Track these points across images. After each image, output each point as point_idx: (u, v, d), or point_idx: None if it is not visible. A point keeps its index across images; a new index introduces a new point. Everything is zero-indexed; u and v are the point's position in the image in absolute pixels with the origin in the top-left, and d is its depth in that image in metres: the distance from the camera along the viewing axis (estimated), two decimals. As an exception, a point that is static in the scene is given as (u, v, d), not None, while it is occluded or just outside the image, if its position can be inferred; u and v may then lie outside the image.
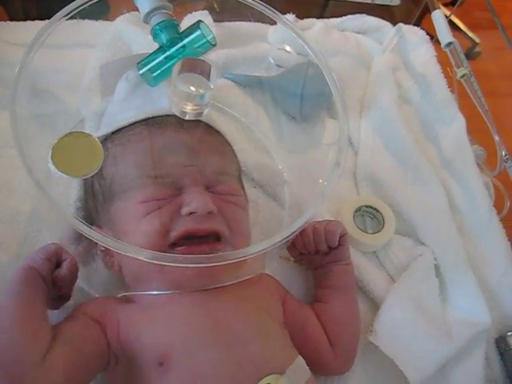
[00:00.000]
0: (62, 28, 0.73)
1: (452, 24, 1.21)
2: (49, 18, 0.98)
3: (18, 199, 0.82)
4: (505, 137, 1.02)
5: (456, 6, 1.53)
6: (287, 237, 0.62)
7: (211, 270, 0.64)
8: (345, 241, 0.79)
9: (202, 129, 0.78)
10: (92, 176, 0.67)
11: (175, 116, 0.71)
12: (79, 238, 0.74)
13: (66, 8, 0.72)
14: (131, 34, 0.95)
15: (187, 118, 0.68)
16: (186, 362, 0.61)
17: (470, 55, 1.15)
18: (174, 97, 0.67)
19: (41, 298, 0.61)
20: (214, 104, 0.91)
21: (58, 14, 0.71)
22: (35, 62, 0.68)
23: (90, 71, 0.90)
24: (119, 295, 0.71)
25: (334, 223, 0.80)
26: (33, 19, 1.04)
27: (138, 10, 0.93)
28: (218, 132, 0.81)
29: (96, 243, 0.72)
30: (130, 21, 0.97)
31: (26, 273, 0.61)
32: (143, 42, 0.94)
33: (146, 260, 0.57)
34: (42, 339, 0.58)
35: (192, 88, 0.65)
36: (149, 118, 0.77)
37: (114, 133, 0.77)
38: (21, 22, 1.03)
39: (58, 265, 0.65)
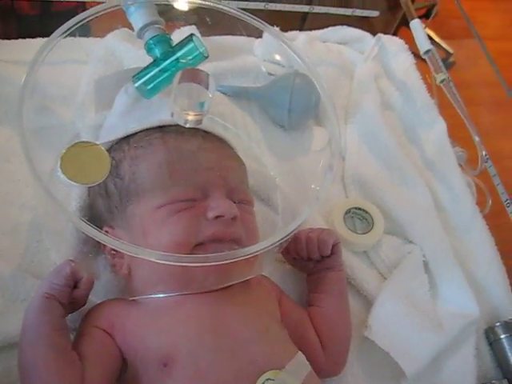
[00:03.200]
0: (55, 45, 0.75)
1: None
2: (29, 37, 1.02)
3: (18, 211, 0.83)
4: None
5: (431, 19, 1.59)
6: (292, 231, 0.66)
7: (227, 268, 0.66)
8: (337, 249, 0.82)
9: (214, 138, 0.81)
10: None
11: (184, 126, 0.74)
12: (80, 244, 0.77)
13: (64, 25, 0.74)
14: (122, 48, 0.98)
15: (188, 125, 0.71)
16: (190, 362, 0.63)
17: (445, 65, 1.19)
18: (175, 106, 0.70)
19: (62, 325, 0.63)
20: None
21: (56, 32, 0.73)
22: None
23: (83, 86, 0.93)
24: (127, 298, 0.72)
25: (326, 232, 0.82)
26: (10, 38, 1.06)
27: (120, 26, 0.98)
28: (226, 142, 0.83)
29: (100, 248, 0.76)
30: (120, 37, 1.00)
31: (46, 303, 0.63)
32: (134, 56, 0.97)
33: (174, 264, 0.59)
34: (77, 369, 0.60)
35: (192, 97, 0.68)
36: (162, 126, 0.79)
37: (125, 138, 0.79)
38: (12, 41, 1.05)
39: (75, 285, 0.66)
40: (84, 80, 0.94)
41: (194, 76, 0.69)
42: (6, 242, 0.80)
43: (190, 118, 0.70)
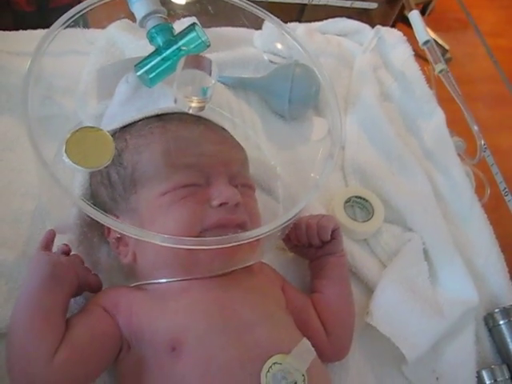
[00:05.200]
0: (57, 36, 0.76)
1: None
2: (23, 29, 1.03)
3: (20, 200, 0.84)
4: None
5: (426, 15, 1.60)
6: (294, 216, 0.66)
7: (231, 252, 0.68)
8: (337, 234, 0.83)
9: (215, 126, 0.82)
10: (107, 167, 0.70)
11: (186, 113, 0.75)
12: (84, 232, 0.77)
13: (65, 15, 0.74)
14: (124, 39, 0.99)
15: (191, 112, 0.72)
16: (197, 346, 0.64)
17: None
18: (178, 92, 0.70)
19: (53, 289, 0.65)
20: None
21: (58, 22, 0.73)
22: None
23: (85, 75, 0.93)
24: (132, 285, 0.73)
25: (326, 218, 0.83)
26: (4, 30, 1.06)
27: (121, 17, 0.99)
28: (226, 130, 0.84)
29: (103, 236, 0.77)
30: (121, 27, 1.00)
31: (37, 268, 0.66)
32: (135, 47, 0.97)
33: (181, 247, 0.60)
34: (53, 337, 0.61)
35: (195, 83, 0.68)
36: (162, 114, 0.80)
37: (126, 127, 0.79)
38: (14, 32, 1.06)
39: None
40: (86, 70, 0.94)
41: (197, 62, 0.69)
42: (9, 230, 0.81)
43: (193, 104, 0.71)
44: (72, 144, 0.61)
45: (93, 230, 0.77)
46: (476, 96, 1.30)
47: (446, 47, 1.89)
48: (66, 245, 0.73)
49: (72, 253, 0.74)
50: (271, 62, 1.05)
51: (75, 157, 0.61)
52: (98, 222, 0.75)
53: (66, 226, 0.77)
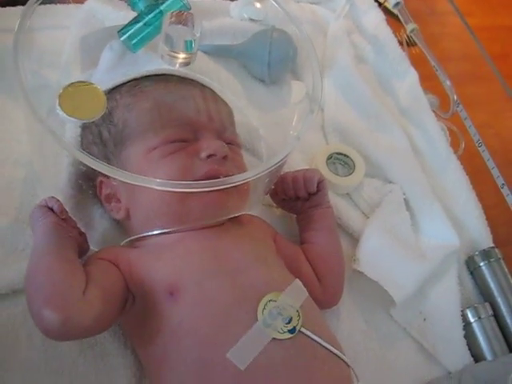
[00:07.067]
0: (37, 13, 0.77)
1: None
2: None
3: (11, 168, 0.85)
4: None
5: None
6: (279, 161, 0.68)
7: (222, 200, 0.71)
8: (323, 186, 0.85)
9: (201, 85, 0.84)
10: (98, 126, 0.72)
11: (173, 75, 0.77)
12: (75, 194, 0.79)
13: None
14: (103, 11, 1.00)
15: (177, 67, 0.74)
16: (194, 289, 0.66)
17: (411, 42, 1.24)
18: (164, 47, 0.72)
19: (70, 243, 0.68)
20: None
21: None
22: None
23: (68, 46, 0.94)
24: (126, 240, 0.75)
25: (311, 170, 0.86)
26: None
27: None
28: (212, 89, 0.86)
29: (94, 197, 0.79)
30: (101, 0, 1.02)
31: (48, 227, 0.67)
32: (115, 18, 0.98)
33: (177, 190, 0.62)
34: (81, 277, 0.63)
35: (180, 37, 0.71)
36: (150, 75, 0.81)
37: (116, 87, 0.80)
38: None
39: None
40: (68, 40, 0.95)
41: (180, 18, 0.72)
42: (1, 197, 0.82)
43: (179, 60, 0.73)
44: (65, 97, 0.63)
45: (84, 191, 0.79)
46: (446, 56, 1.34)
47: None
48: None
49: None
50: (251, 19, 1.07)
51: (69, 109, 0.62)
52: (89, 182, 0.78)
53: (57, 191, 0.79)
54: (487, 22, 1.84)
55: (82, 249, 0.72)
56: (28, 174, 0.85)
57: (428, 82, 1.16)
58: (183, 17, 0.71)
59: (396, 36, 1.23)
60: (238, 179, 0.65)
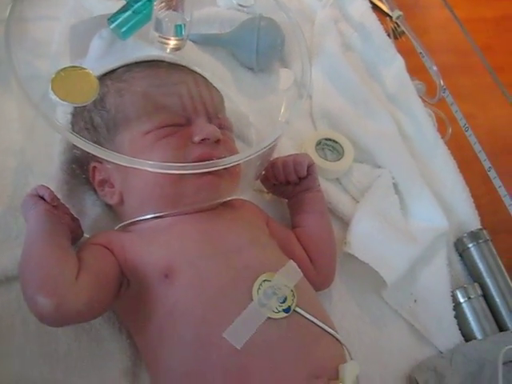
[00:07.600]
0: (30, 2, 0.77)
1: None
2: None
3: (2, 157, 0.85)
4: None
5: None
6: (269, 145, 0.70)
7: (215, 184, 0.72)
8: (313, 170, 0.86)
9: (192, 72, 0.84)
10: (89, 111, 0.71)
11: (164, 61, 0.77)
12: (67, 182, 0.79)
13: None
14: (91, 1, 1.00)
15: (168, 51, 0.74)
16: (189, 271, 0.67)
17: (395, 35, 1.25)
18: (155, 33, 0.72)
19: (63, 231, 0.68)
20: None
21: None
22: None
23: (57, 35, 0.94)
24: (120, 225, 0.75)
25: (301, 155, 0.87)
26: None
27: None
28: (202, 75, 0.86)
29: (87, 183, 0.79)
30: (88, -9, 1.02)
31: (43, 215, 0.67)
32: (104, 8, 0.98)
33: (173, 172, 0.64)
34: (73, 263, 0.63)
35: (170, 21, 0.71)
36: (141, 62, 0.81)
37: (107, 74, 0.80)
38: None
39: None
40: (57, 30, 0.95)
41: (170, 3, 0.72)
42: (-8, 185, 0.82)
43: (170, 45, 0.73)
44: (57, 82, 0.63)
45: (76, 178, 0.79)
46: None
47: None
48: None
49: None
50: (240, 5, 1.07)
51: (61, 93, 0.63)
52: (81, 168, 0.78)
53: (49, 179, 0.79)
54: (471, 14, 1.86)
55: (75, 234, 0.73)
56: (20, 162, 0.85)
57: (415, 73, 1.17)
58: (173, 2, 0.71)
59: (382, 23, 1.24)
60: (230, 161, 0.66)
